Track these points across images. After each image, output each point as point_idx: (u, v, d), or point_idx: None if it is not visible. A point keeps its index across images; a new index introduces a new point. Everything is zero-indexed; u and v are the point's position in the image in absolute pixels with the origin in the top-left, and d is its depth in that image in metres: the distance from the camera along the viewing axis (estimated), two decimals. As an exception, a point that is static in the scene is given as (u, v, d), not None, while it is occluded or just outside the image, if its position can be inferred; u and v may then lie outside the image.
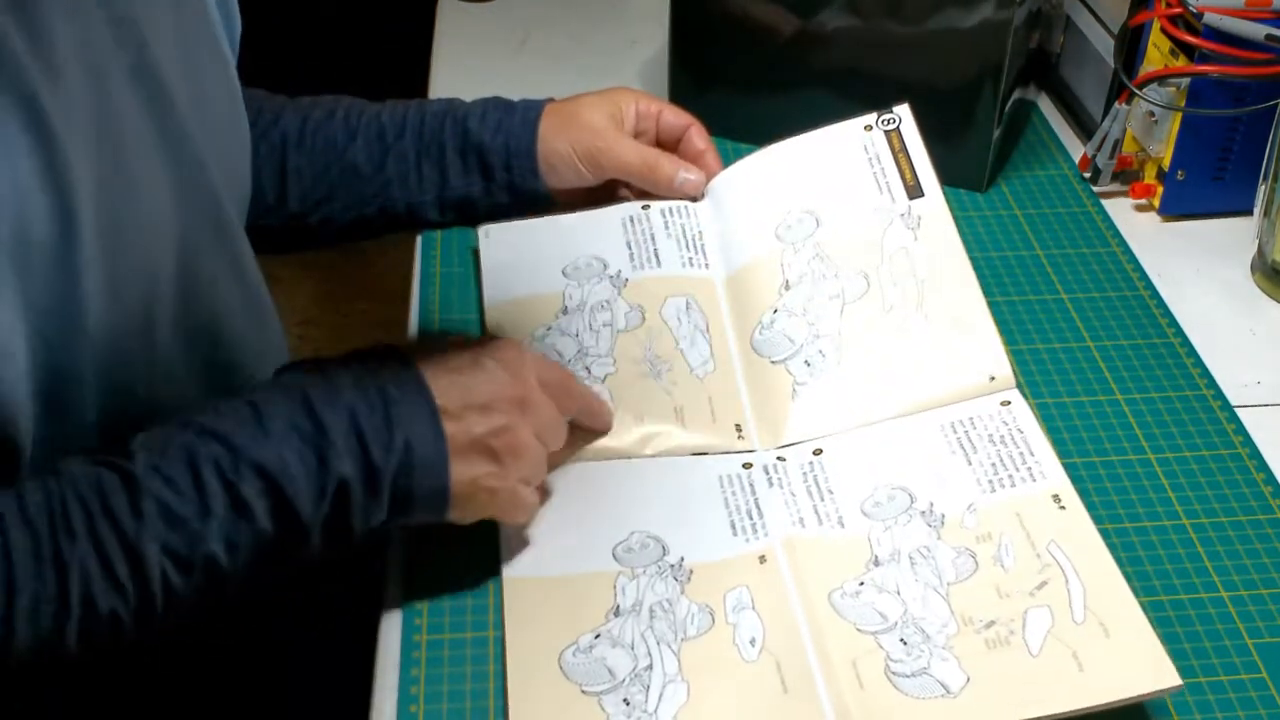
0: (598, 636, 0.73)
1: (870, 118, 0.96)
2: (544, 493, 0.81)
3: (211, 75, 0.84)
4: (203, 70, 0.82)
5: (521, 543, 0.79)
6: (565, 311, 0.93)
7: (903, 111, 0.96)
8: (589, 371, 0.88)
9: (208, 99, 0.82)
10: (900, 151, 0.94)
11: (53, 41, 0.66)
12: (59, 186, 0.66)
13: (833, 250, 0.92)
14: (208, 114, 0.81)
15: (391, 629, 0.76)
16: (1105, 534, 0.77)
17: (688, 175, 1.00)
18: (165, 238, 0.75)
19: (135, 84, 0.73)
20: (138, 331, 0.74)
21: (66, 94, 0.67)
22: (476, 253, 0.99)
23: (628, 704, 0.70)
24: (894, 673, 0.71)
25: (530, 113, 1.00)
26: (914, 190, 0.92)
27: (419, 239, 1.03)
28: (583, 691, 0.71)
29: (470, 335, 0.79)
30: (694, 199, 1.01)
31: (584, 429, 0.84)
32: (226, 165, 0.84)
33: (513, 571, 0.77)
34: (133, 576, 0.67)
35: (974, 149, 1.08)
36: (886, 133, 0.95)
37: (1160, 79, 1.02)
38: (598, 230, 0.99)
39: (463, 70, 1.25)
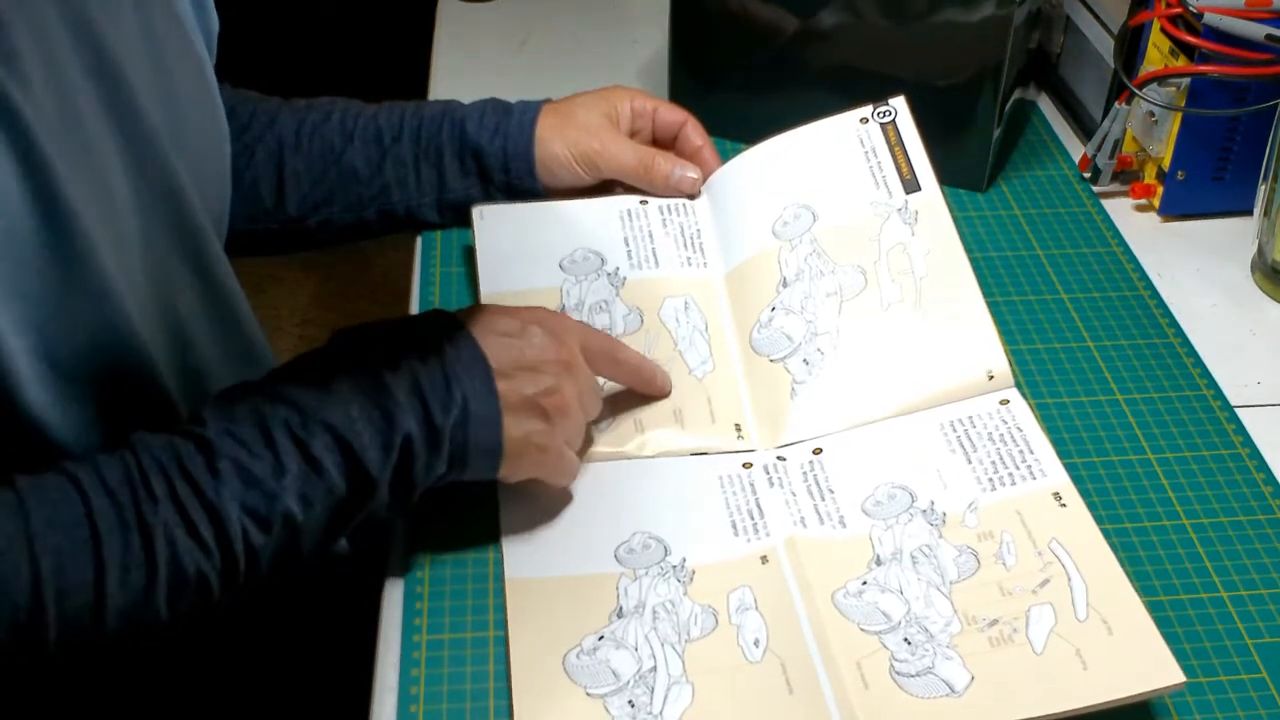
0: (601, 638, 0.73)
1: (866, 110, 0.96)
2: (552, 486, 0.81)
3: (183, 76, 0.83)
4: (172, 71, 0.81)
5: (523, 544, 0.79)
6: (563, 309, 0.93)
7: (898, 104, 0.96)
8: None
9: (178, 100, 0.81)
10: (896, 144, 0.94)
11: (15, 46, 0.66)
12: (40, 183, 0.66)
13: (829, 245, 0.92)
14: (179, 116, 0.81)
15: (391, 629, 0.76)
16: (1105, 534, 0.76)
17: (684, 173, 1.00)
18: (130, 239, 0.75)
19: (95, 85, 0.72)
20: (123, 330, 0.73)
21: (32, 94, 0.66)
22: (471, 238, 0.99)
23: (633, 706, 0.70)
24: (898, 673, 0.71)
25: (527, 115, 1.00)
26: (910, 184, 0.92)
27: (419, 239, 1.03)
28: (587, 694, 0.71)
29: (515, 305, 0.83)
30: (691, 196, 1.01)
31: (641, 395, 0.86)
32: (199, 167, 0.83)
33: (515, 573, 0.77)
34: (216, 536, 0.68)
35: (974, 149, 1.08)
36: (883, 125, 0.95)
37: (1160, 79, 1.02)
38: (595, 222, 0.99)
39: (463, 70, 1.25)
